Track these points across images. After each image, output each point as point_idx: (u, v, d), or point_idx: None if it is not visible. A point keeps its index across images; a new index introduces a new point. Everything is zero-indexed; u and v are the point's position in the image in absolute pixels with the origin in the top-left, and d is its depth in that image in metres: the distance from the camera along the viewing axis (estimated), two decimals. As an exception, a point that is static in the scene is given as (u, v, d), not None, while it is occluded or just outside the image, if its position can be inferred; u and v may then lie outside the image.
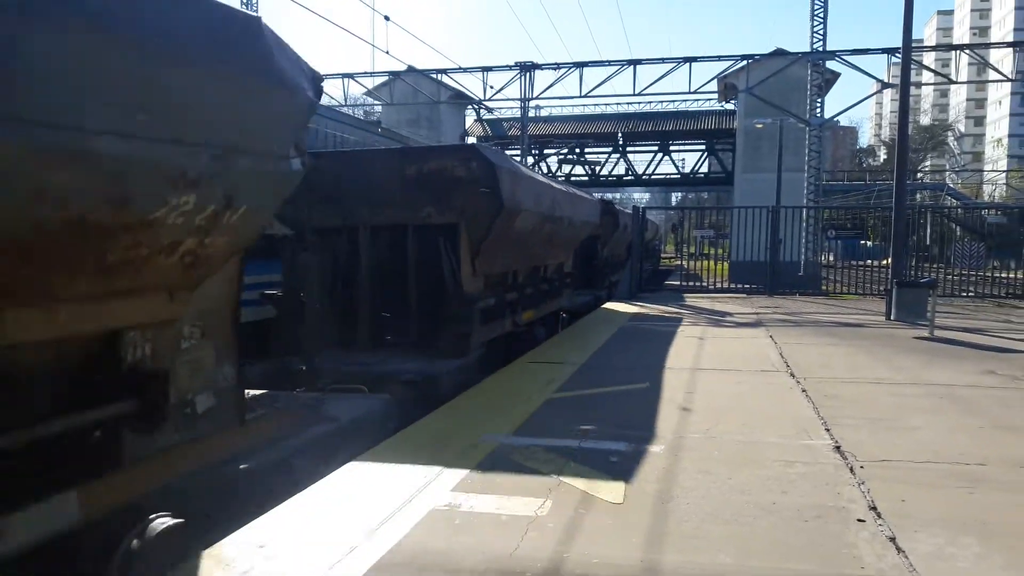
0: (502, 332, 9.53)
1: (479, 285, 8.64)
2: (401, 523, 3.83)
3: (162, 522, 3.24)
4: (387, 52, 24.47)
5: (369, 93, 33.72)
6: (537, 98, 30.95)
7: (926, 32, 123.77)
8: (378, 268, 8.23)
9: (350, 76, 31.24)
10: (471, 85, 36.28)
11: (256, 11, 30.79)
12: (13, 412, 2.97)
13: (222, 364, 4.21)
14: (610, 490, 4.34)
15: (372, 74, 31.80)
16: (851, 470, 4.77)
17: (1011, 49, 29.96)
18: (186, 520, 3.32)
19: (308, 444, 4.97)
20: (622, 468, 4.76)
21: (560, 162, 45.29)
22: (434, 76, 31.73)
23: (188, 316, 3.85)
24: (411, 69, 30.68)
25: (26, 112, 2.41)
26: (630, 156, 45.70)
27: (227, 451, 4.20)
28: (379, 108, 39.81)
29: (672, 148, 45.31)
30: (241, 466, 4.29)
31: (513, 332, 10.03)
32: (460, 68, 30.31)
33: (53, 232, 2.68)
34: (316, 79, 4.16)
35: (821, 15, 27.14)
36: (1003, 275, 21.47)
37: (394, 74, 31.61)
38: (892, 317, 13.29)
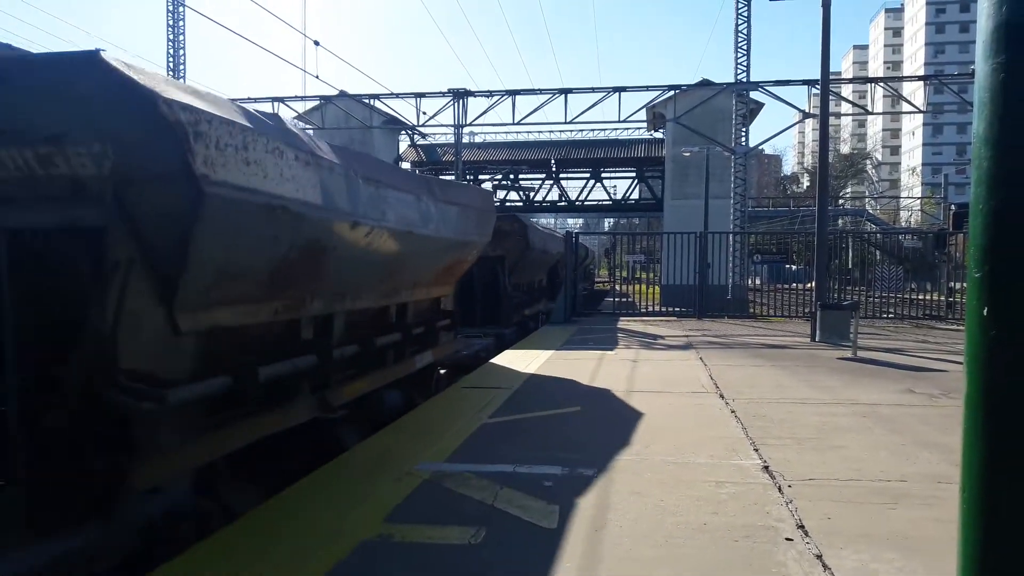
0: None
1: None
2: (331, 555, 3.73)
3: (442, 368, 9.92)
4: (317, 76, 24.29)
5: (300, 117, 33.39)
6: (471, 124, 31.16)
7: (843, 65, 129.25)
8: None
9: (280, 100, 30.94)
10: (404, 111, 36.25)
11: (183, 35, 30.29)
12: (419, 323, 8.45)
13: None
14: (544, 515, 4.32)
15: (303, 98, 31.57)
16: (779, 489, 4.85)
17: (922, 83, 31.46)
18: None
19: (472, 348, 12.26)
20: (556, 492, 4.74)
21: (495, 188, 45.50)
22: (366, 101, 31.66)
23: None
24: (343, 94, 30.54)
25: (457, 234, 8.44)
26: (563, 183, 46.24)
27: (458, 347, 10.75)
28: (311, 132, 39.44)
29: (604, 175, 46.03)
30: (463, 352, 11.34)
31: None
32: (393, 94, 30.32)
33: (448, 267, 8.96)
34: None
35: (744, 47, 28.10)
36: (920, 297, 22.36)
37: (325, 98, 31.43)
38: (817, 339, 13.67)
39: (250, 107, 4.72)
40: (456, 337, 10.30)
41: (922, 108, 30.62)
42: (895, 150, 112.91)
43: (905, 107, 32.74)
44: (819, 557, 3.71)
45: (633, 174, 45.64)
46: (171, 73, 30.27)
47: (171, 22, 30.18)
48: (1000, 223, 1.48)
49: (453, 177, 34.23)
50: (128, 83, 3.47)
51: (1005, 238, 1.47)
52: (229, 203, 3.92)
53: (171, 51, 30.36)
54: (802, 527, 4.14)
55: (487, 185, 44.71)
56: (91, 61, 3.51)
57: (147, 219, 3.71)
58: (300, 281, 5.23)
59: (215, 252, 4.05)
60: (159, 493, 4.16)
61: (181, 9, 30.18)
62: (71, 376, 3.68)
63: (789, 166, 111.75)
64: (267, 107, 30.51)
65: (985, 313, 1.50)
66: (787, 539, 3.96)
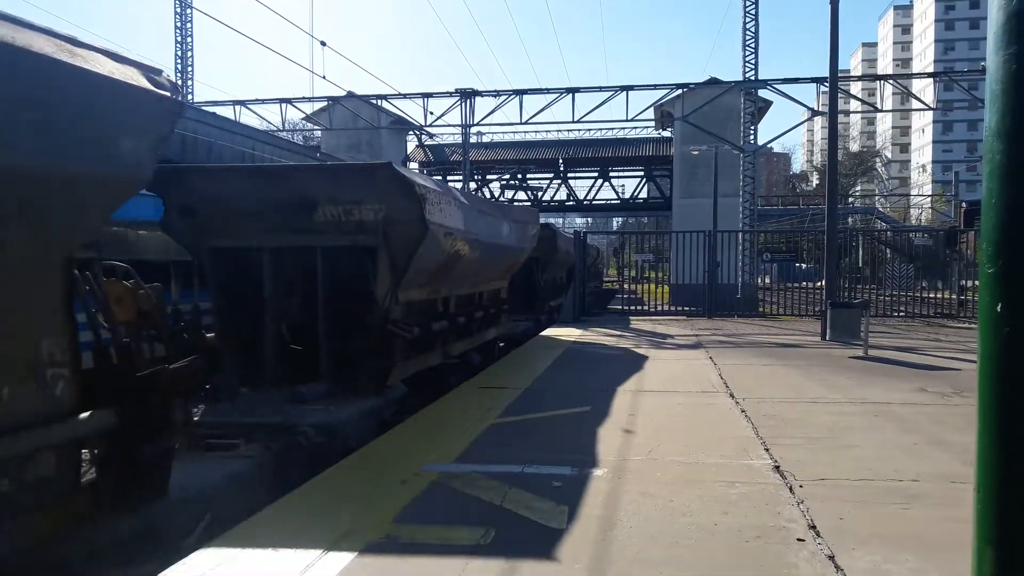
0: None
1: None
2: (339, 557, 3.72)
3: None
4: (324, 77, 24.45)
5: (308, 118, 33.49)
6: (478, 124, 31.12)
7: (852, 63, 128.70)
8: None
9: (288, 101, 30.99)
10: (411, 111, 36.40)
11: (191, 36, 30.39)
12: (490, 307, 11.90)
13: None
14: (553, 515, 4.30)
15: (311, 99, 31.60)
16: (791, 489, 4.81)
17: (932, 80, 31.28)
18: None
19: (519, 327, 15.60)
20: (566, 493, 4.72)
21: (503, 188, 45.49)
22: (374, 102, 31.68)
23: None
24: (351, 95, 30.58)
25: (518, 243, 12.28)
26: (571, 182, 46.17)
27: (510, 326, 13.95)
28: (319, 133, 39.53)
29: (612, 174, 45.97)
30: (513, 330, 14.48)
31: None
32: (400, 94, 30.34)
33: (509, 266, 12.62)
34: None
35: (752, 45, 27.98)
36: (931, 295, 22.23)
37: (333, 99, 31.47)
38: (827, 337, 13.60)
39: (257, 108, 6.31)
40: (509, 319, 13.60)
41: (932, 105, 30.45)
42: (905, 148, 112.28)
43: (915, 104, 32.56)
44: (831, 558, 3.68)
45: (641, 173, 45.58)
46: (179, 74, 30.38)
47: (179, 23, 30.28)
48: (1013, 217, 1.45)
49: (460, 177, 34.25)
50: (400, 177, 7.09)
51: (1019, 233, 1.44)
52: (435, 232, 7.50)
53: (179, 52, 30.46)
54: (814, 528, 4.10)
55: (495, 185, 44.71)
56: (385, 166, 7.18)
57: (397, 243, 7.24)
58: (442, 275, 8.75)
59: (421, 260, 7.57)
60: (392, 388, 7.57)
61: (189, 11, 30.28)
62: (366, 320, 7.33)
63: (798, 164, 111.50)
64: (275, 108, 30.65)
65: (999, 309, 1.47)
66: (799, 540, 3.93)
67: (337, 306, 7.40)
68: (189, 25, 30.59)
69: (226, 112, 28.79)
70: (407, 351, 7.90)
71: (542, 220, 22.07)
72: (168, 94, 3.75)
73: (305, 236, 7.24)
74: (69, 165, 3.15)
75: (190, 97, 30.20)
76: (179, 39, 30.51)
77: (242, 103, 30.48)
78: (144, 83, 3.57)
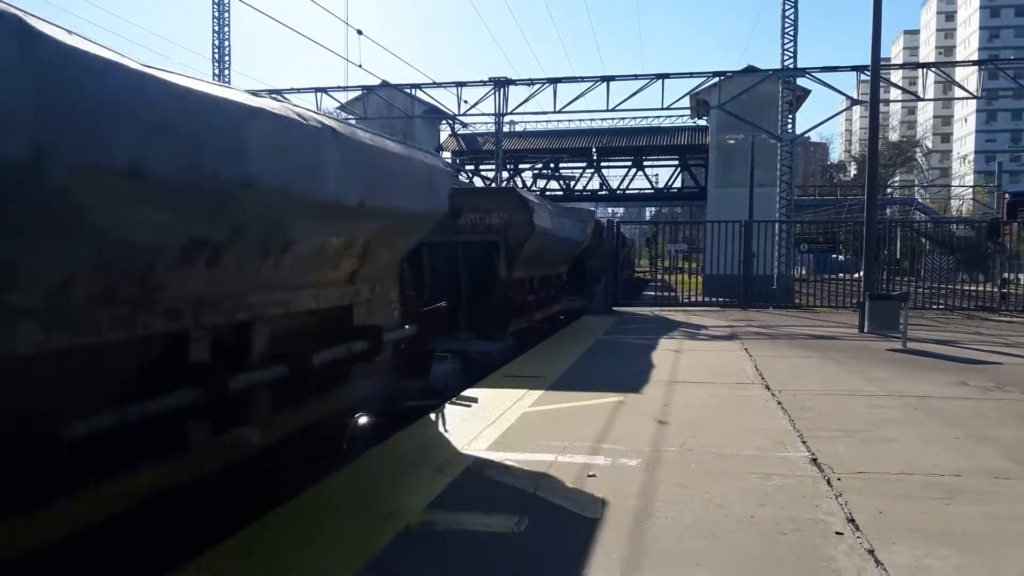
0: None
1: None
2: (377, 540, 3.74)
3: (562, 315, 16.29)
4: (360, 66, 24.39)
5: (343, 107, 33.60)
6: (511, 113, 31.03)
7: (893, 50, 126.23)
8: None
9: (323, 90, 31.14)
10: (445, 100, 36.27)
11: (228, 26, 30.66)
12: (558, 287, 15.33)
13: None
14: (587, 505, 4.28)
15: (345, 88, 31.72)
16: (828, 482, 4.75)
17: (976, 68, 30.56)
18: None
19: (576, 304, 17.94)
20: (599, 482, 4.70)
21: (535, 177, 45.35)
22: (408, 91, 31.70)
23: None
24: (385, 84, 30.64)
25: (581, 237, 15.97)
26: (604, 171, 45.87)
27: (568, 303, 16.50)
28: (352, 123, 39.67)
29: (645, 163, 45.54)
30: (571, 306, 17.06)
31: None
32: (434, 83, 30.32)
33: (571, 254, 15.96)
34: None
35: (791, 33, 27.54)
36: (972, 288, 21.78)
37: (368, 88, 31.56)
38: (865, 329, 13.40)
39: (293, 97, 6.72)
40: (568, 297, 16.36)
41: (976, 94, 29.76)
42: (946, 137, 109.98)
43: (958, 93, 31.86)
44: (871, 552, 3.62)
45: (676, 162, 45.12)
46: (216, 63, 30.66)
47: (216, 13, 30.55)
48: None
49: (493, 166, 34.20)
50: (518, 195, 11.66)
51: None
52: (539, 233, 11.31)
53: (216, 42, 30.75)
54: (852, 521, 4.04)
55: (527, 174, 44.58)
56: (509, 190, 15.19)
57: (512, 240, 11.02)
58: (535, 261, 12.31)
59: (527, 250, 11.25)
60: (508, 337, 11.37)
61: (226, 1, 30.52)
62: (489, 291, 10.97)
63: (836, 154, 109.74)
64: (310, 97, 30.81)
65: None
66: (837, 533, 3.87)
67: (474, 283, 11.24)
68: (227, 15, 30.85)
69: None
70: (516, 312, 11.62)
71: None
72: (451, 171, 6.29)
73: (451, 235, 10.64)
74: (420, 207, 5.45)
75: (227, 86, 30.48)
76: (216, 28, 30.78)
77: (279, 92, 30.69)
78: (441, 165, 6.14)
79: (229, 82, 30.82)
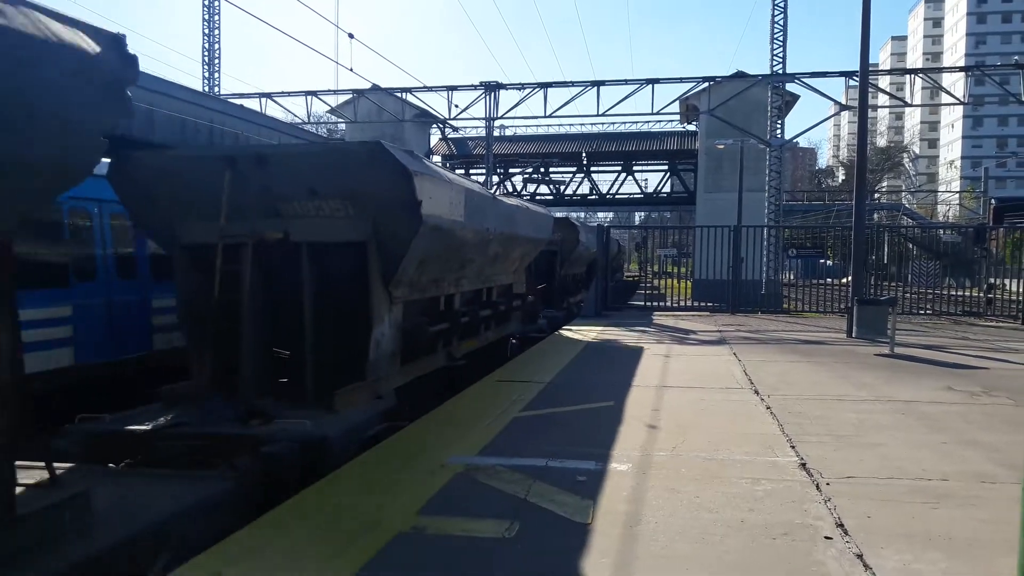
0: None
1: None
2: (369, 546, 3.74)
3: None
4: (351, 70, 24.33)
5: (333, 111, 33.57)
6: (502, 117, 31.02)
7: (881, 56, 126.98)
8: None
9: (313, 94, 31.05)
10: (436, 104, 36.40)
11: (218, 29, 30.57)
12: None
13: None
14: (578, 509, 4.29)
15: (336, 92, 31.64)
16: (817, 487, 4.77)
17: (963, 74, 30.77)
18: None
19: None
20: (590, 487, 4.71)
21: (525, 181, 45.40)
22: (398, 94, 31.66)
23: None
24: (375, 87, 30.61)
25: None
26: (594, 176, 45.93)
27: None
28: (343, 126, 39.64)
29: (635, 168, 45.65)
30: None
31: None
32: (425, 87, 30.31)
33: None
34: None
35: (780, 39, 27.67)
36: (959, 293, 21.93)
37: (358, 92, 31.50)
38: (853, 334, 13.46)
39: (283, 100, 6.32)
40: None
41: (963, 100, 29.97)
42: (933, 143, 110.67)
43: (945, 99, 32.08)
44: (859, 556, 3.65)
45: (665, 167, 45.23)
46: (206, 65, 30.56)
47: (206, 16, 30.45)
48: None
49: (483, 170, 34.21)
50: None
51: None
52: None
53: (206, 44, 30.65)
54: (841, 526, 4.07)
55: (517, 178, 44.63)
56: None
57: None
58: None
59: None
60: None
61: (216, 2, 30.43)
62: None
63: (824, 159, 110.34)
64: (300, 100, 30.72)
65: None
66: (826, 537, 3.90)
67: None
68: (217, 17, 30.76)
69: (252, 104, 28.90)
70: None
71: (563, 214, 22.09)
72: (548, 212, 14.45)
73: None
74: (537, 235, 12.20)
75: (217, 89, 30.37)
76: (207, 31, 30.69)
77: (268, 95, 30.62)
78: (544, 211, 12.92)
79: (219, 86, 30.73)
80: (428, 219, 6.66)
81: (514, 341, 12.92)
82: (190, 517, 4.23)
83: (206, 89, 29.46)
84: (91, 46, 3.46)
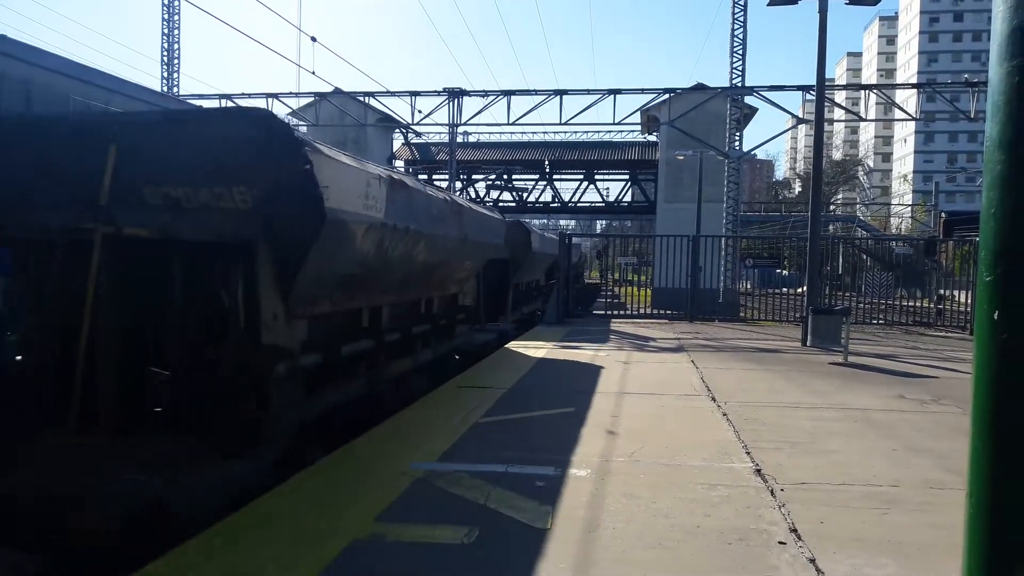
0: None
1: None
2: (324, 555, 3.71)
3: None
4: (313, 72, 24.14)
5: (294, 114, 33.24)
6: (465, 124, 31.03)
7: (837, 71, 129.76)
8: None
9: (274, 96, 30.77)
10: (399, 109, 36.31)
11: (178, 28, 30.12)
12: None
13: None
14: (537, 515, 4.30)
15: (297, 95, 31.39)
16: (772, 493, 4.85)
17: (915, 91, 31.58)
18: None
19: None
20: (549, 493, 4.73)
21: (488, 188, 45.45)
22: (361, 99, 31.52)
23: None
24: (338, 91, 30.45)
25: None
26: (557, 184, 46.19)
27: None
28: (304, 129, 39.30)
29: (597, 177, 45.99)
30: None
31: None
32: (388, 91, 30.19)
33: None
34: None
35: (740, 52, 28.12)
36: (910, 304, 22.42)
37: (320, 95, 31.30)
38: (808, 343, 13.69)
39: (243, 102, 5.59)
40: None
41: (915, 115, 30.75)
42: (887, 157, 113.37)
43: (898, 114, 32.87)
44: (812, 561, 3.71)
45: (626, 176, 45.66)
46: (165, 66, 30.09)
47: (166, 15, 30.01)
48: (1013, 226, 1.47)
49: (447, 176, 34.17)
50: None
51: (1018, 242, 1.46)
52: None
53: (165, 45, 30.20)
54: (795, 531, 4.14)
55: (480, 185, 44.66)
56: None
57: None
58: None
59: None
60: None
61: (177, 2, 30.02)
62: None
63: (781, 171, 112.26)
64: (261, 102, 30.39)
65: (996, 317, 1.49)
66: (780, 543, 3.96)
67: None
68: (177, 17, 30.33)
69: (211, 106, 28.54)
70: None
71: (525, 220, 22.13)
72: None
73: None
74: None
75: (176, 90, 29.91)
76: (166, 31, 30.24)
77: (228, 97, 30.26)
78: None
79: (178, 87, 30.27)
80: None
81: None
82: None
83: (164, 89, 28.96)
84: None
